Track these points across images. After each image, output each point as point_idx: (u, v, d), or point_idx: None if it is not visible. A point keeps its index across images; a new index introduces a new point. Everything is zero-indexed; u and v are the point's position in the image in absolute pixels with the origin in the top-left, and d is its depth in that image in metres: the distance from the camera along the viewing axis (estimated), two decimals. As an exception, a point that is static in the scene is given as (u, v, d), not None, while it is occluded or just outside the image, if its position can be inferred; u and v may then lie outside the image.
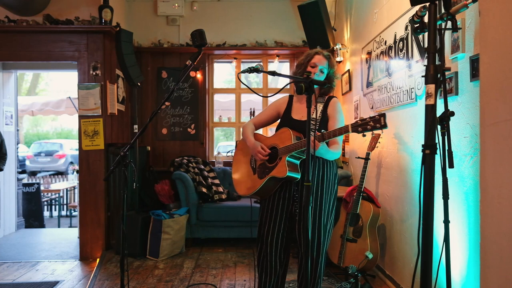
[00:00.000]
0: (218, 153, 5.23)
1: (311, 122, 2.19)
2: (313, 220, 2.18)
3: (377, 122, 1.74)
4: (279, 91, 2.21)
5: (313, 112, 2.20)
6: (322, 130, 2.04)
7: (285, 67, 5.46)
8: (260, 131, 2.50)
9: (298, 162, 2.15)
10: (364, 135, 1.82)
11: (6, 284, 3.17)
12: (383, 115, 1.74)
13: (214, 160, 4.98)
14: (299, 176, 2.15)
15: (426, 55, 1.61)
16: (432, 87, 1.54)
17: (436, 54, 1.58)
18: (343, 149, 4.43)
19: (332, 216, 2.28)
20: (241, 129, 2.45)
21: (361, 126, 1.79)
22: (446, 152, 1.64)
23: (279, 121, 2.41)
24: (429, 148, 1.54)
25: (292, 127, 2.20)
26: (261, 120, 2.45)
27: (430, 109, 1.55)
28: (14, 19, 3.94)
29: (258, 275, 2.41)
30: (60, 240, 4.58)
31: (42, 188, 6.19)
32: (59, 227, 6.08)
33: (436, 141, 1.58)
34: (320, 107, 2.25)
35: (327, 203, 2.23)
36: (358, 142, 3.84)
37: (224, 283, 3.16)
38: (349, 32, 4.22)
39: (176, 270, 3.47)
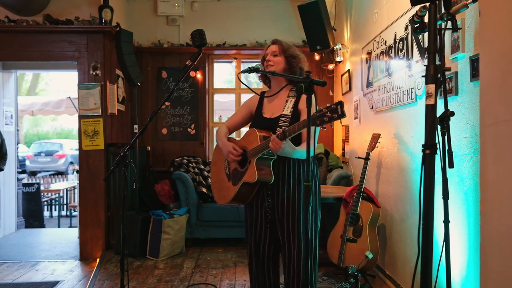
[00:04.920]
0: (218, 153, 5.22)
1: (281, 119, 2.04)
2: (292, 225, 2.02)
3: (334, 112, 1.58)
4: (279, 91, 2.18)
5: (284, 108, 2.08)
6: (284, 127, 1.85)
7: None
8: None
9: (270, 163, 1.99)
10: (324, 128, 1.63)
11: (6, 284, 3.17)
12: (340, 103, 1.58)
13: (214, 160, 4.98)
14: (272, 179, 1.99)
15: (426, 55, 1.61)
16: (432, 87, 1.54)
17: (436, 54, 1.58)
18: (343, 149, 4.43)
19: (316, 220, 2.10)
20: (215, 134, 2.27)
21: (318, 119, 1.61)
22: (446, 152, 1.64)
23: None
24: (429, 148, 1.54)
25: (262, 125, 2.07)
26: (234, 121, 2.29)
27: (430, 109, 1.55)
28: (14, 19, 3.94)
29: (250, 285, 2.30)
30: (60, 240, 4.58)
31: (42, 188, 6.19)
32: (59, 227, 6.08)
33: (436, 141, 1.58)
34: (291, 101, 2.08)
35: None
36: (358, 142, 3.84)
37: (224, 283, 3.16)
38: (349, 32, 4.22)
39: (176, 270, 3.47)
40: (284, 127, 1.86)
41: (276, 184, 2.04)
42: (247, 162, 2.03)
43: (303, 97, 2.04)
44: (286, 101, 2.09)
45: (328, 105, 1.63)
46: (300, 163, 2.05)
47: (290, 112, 2.05)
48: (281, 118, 2.05)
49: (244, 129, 2.37)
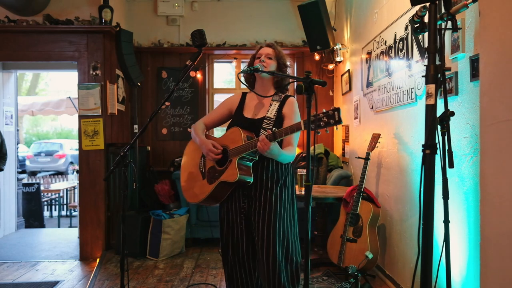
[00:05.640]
0: (218, 153, 5.22)
1: (265, 121, 2.03)
2: (267, 229, 1.98)
3: (331, 118, 1.58)
4: (275, 93, 2.17)
5: (268, 111, 2.07)
6: (274, 129, 1.84)
7: (285, 67, 5.45)
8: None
9: (250, 164, 1.98)
10: (317, 132, 1.63)
11: (6, 284, 3.17)
12: (337, 109, 1.59)
13: (214, 160, 4.98)
14: (251, 180, 1.97)
15: (426, 55, 1.61)
16: (432, 87, 1.54)
17: (436, 54, 1.58)
18: (343, 149, 4.43)
19: (293, 224, 2.07)
20: (191, 130, 2.20)
21: (314, 123, 1.61)
22: (446, 152, 1.64)
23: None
24: (429, 148, 1.55)
25: (243, 125, 2.04)
26: (212, 119, 2.25)
27: (430, 109, 1.55)
28: (14, 19, 3.94)
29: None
30: (60, 240, 4.58)
31: (42, 188, 6.19)
32: (59, 227, 6.08)
33: (436, 141, 1.58)
34: (276, 105, 2.08)
35: (283, 210, 2.03)
36: (358, 142, 3.84)
37: (224, 283, 3.15)
38: (349, 32, 4.22)
39: (176, 270, 3.47)
40: (274, 129, 1.86)
41: (253, 186, 2.02)
42: (227, 161, 2.00)
43: (287, 101, 2.11)
44: (270, 104, 2.09)
45: (324, 110, 1.63)
46: (278, 166, 2.05)
47: (274, 115, 2.05)
48: (264, 120, 2.04)
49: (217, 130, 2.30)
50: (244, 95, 2.27)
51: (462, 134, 2.02)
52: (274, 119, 2.03)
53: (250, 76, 2.20)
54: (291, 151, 2.01)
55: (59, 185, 7.11)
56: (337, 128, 1.68)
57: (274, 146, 1.84)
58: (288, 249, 2.04)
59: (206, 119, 2.27)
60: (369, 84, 3.48)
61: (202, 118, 2.30)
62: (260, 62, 2.09)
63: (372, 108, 3.40)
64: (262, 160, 2.01)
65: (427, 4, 1.59)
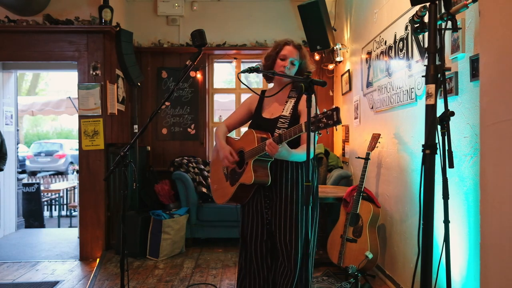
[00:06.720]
0: (218, 153, 5.22)
1: (280, 120, 2.03)
2: (289, 229, 2.01)
3: (330, 118, 1.58)
4: (279, 91, 2.17)
5: (283, 109, 2.07)
6: (280, 131, 1.85)
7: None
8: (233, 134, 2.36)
9: (267, 164, 1.99)
10: (319, 134, 1.64)
11: (6, 284, 3.17)
12: (336, 109, 1.57)
13: (214, 160, 4.98)
14: (268, 181, 1.98)
15: (426, 55, 1.61)
16: (432, 87, 1.54)
17: (436, 54, 1.58)
18: (343, 149, 4.43)
19: (314, 223, 2.07)
20: (214, 132, 2.22)
21: (313, 124, 1.61)
22: (446, 152, 1.64)
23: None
24: (429, 148, 1.55)
25: (261, 126, 2.06)
26: (233, 120, 2.28)
27: (430, 109, 1.55)
28: (14, 19, 3.94)
29: (238, 282, 2.22)
30: (60, 240, 4.57)
31: (42, 188, 6.19)
32: (59, 227, 6.08)
33: (436, 141, 1.58)
34: (291, 102, 2.07)
35: (303, 209, 2.03)
36: (358, 142, 3.84)
37: (224, 283, 3.16)
38: (349, 32, 4.22)
39: (176, 270, 3.47)
40: (282, 129, 1.85)
41: (274, 185, 2.04)
42: (245, 163, 2.03)
43: (303, 97, 2.07)
44: (286, 102, 2.09)
45: (324, 110, 1.63)
46: (298, 165, 2.05)
47: (290, 113, 2.05)
48: (280, 119, 2.04)
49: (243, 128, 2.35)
50: (263, 93, 2.25)
51: (462, 134, 2.02)
52: (289, 117, 2.03)
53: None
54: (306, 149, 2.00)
55: (59, 185, 7.11)
56: (336, 129, 1.67)
57: (283, 148, 1.83)
58: (298, 250, 2.02)
59: (228, 121, 2.29)
60: (369, 84, 3.48)
61: (224, 120, 2.32)
62: (283, 64, 2.07)
63: (372, 108, 3.40)
64: (280, 160, 1.99)
65: (427, 4, 1.59)
